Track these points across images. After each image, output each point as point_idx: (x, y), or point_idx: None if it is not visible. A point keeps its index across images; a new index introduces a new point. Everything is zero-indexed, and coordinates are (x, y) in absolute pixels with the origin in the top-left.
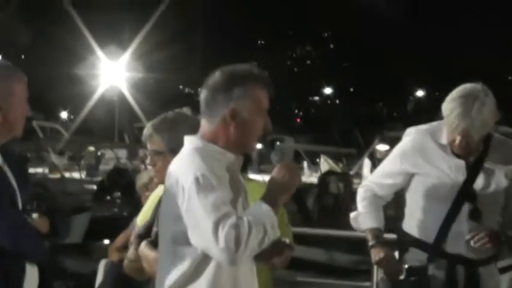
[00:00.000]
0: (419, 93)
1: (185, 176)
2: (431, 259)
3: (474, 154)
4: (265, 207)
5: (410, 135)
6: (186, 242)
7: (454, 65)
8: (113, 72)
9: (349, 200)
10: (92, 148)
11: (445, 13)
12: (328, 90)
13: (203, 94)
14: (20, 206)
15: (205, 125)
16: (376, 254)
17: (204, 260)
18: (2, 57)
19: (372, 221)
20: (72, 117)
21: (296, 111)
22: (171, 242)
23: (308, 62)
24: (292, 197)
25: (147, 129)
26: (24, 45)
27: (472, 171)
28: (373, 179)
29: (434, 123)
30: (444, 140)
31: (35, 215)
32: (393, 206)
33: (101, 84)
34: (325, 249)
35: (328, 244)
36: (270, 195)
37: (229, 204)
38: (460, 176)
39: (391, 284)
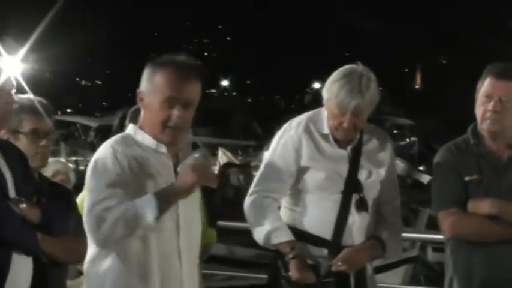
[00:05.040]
0: (316, 85)
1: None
2: (331, 254)
3: (352, 143)
4: (151, 201)
5: (292, 128)
6: None
7: (348, 57)
8: (10, 64)
9: None
10: None
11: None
12: (225, 82)
13: None
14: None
15: None
16: (296, 270)
17: None
18: None
19: (286, 234)
20: None
21: None
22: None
23: (205, 54)
24: None
25: None
26: None
27: (355, 161)
28: (267, 186)
29: (310, 113)
30: (326, 129)
31: (23, 205)
32: None
33: None
34: (225, 243)
35: (228, 238)
36: (164, 191)
37: (118, 188)
38: (344, 166)
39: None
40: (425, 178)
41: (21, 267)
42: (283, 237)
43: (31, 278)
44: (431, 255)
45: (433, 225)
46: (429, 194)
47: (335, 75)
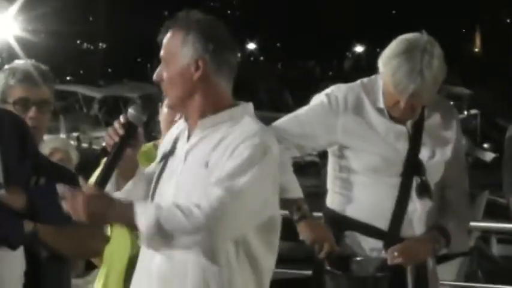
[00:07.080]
0: (358, 48)
1: None
2: (387, 247)
3: (412, 118)
4: None
5: (340, 92)
6: None
7: (395, 16)
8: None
9: None
10: None
11: None
12: (251, 46)
13: None
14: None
15: None
16: (306, 231)
17: None
18: None
19: (296, 189)
20: None
21: None
22: None
23: (228, 12)
24: None
25: None
26: None
27: (415, 138)
28: (292, 139)
29: (365, 80)
30: (381, 103)
31: (1, 191)
32: None
33: None
34: None
35: None
36: None
37: None
38: (403, 145)
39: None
40: (489, 156)
41: (7, 265)
42: (294, 193)
43: (23, 277)
44: (495, 248)
45: (491, 213)
46: (493, 176)
47: (394, 47)
